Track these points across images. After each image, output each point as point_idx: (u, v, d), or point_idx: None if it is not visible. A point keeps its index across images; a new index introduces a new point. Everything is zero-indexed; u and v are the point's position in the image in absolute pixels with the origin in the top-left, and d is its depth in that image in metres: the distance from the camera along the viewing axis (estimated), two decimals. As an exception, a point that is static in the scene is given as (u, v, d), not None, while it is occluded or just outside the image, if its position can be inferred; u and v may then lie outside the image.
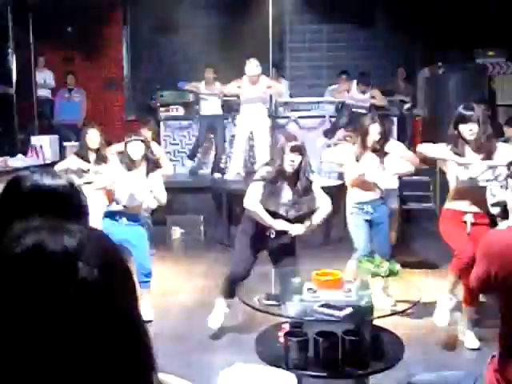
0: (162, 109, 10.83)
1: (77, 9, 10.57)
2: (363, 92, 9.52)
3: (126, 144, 5.46)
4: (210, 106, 9.95)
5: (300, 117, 10.28)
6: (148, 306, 5.47)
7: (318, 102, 10.72)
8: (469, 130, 4.69)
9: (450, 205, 5.00)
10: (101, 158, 6.43)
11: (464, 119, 4.71)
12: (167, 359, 4.76)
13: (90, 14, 10.81)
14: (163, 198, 5.53)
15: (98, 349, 0.87)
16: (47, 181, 1.80)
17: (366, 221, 5.67)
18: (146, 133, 7.45)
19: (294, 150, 4.72)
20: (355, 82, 9.59)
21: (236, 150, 9.43)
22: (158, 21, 10.93)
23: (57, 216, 1.03)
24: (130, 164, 5.43)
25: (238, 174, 9.23)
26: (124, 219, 5.49)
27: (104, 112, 11.37)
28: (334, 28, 11.83)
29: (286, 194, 4.76)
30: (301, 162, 4.71)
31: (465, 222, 4.90)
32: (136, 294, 0.99)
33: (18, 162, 8.49)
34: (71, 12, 10.63)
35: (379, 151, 5.52)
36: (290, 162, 4.69)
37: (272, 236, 4.86)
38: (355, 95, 9.57)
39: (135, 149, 5.39)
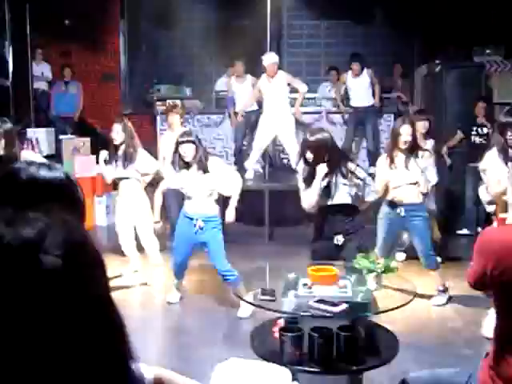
0: (158, 103, 10.79)
1: (74, 1, 10.54)
2: (357, 75, 9.47)
3: (178, 144, 5.43)
4: (242, 103, 9.59)
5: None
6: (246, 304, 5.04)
7: (315, 98, 10.73)
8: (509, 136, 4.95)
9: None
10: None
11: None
12: (164, 354, 4.79)
13: (88, 6, 10.77)
14: (233, 186, 5.54)
15: (71, 338, 0.86)
16: (44, 173, 1.79)
17: (396, 223, 5.72)
18: (174, 117, 7.44)
19: (308, 146, 4.74)
20: (350, 72, 9.57)
21: (255, 148, 8.87)
22: (156, 14, 10.90)
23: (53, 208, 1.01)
24: (183, 165, 5.43)
25: (256, 172, 8.92)
26: (199, 221, 5.46)
27: (100, 106, 11.34)
28: (331, 24, 11.82)
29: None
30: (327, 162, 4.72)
31: None
32: (107, 279, 0.97)
33: (13, 154, 8.45)
34: (69, 4, 10.60)
35: (411, 153, 5.59)
36: (308, 158, 4.76)
37: (339, 243, 4.82)
38: (349, 83, 9.57)
39: (187, 150, 5.35)
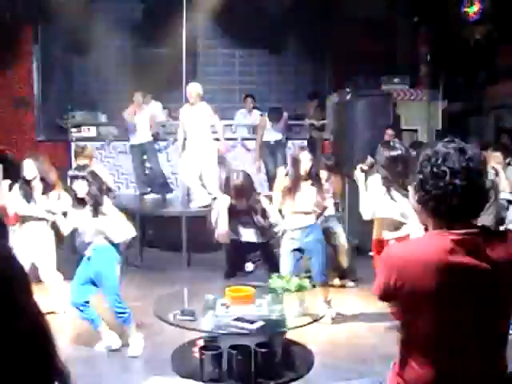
0: (73, 129, 10.67)
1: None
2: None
3: (70, 180, 5.22)
4: (140, 134, 9.74)
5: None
6: (137, 341, 5.31)
7: (231, 125, 10.89)
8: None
9: None
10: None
11: None
12: (86, 381, 4.72)
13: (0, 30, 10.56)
14: (119, 235, 5.23)
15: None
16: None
17: (296, 249, 5.88)
18: (83, 160, 7.36)
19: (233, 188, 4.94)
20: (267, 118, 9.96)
21: (191, 181, 8.75)
22: (70, 40, 10.81)
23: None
24: (77, 202, 5.21)
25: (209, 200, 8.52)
26: (88, 251, 5.24)
27: (13, 132, 11.08)
28: (245, 53, 12.08)
29: None
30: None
31: None
32: (31, 287, 1.06)
33: None
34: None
35: (313, 179, 5.80)
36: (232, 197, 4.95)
37: (250, 270, 4.92)
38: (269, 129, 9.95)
39: (78, 187, 5.12)
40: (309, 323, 3.78)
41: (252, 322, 3.50)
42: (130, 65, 10.88)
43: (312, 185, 5.81)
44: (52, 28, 11.19)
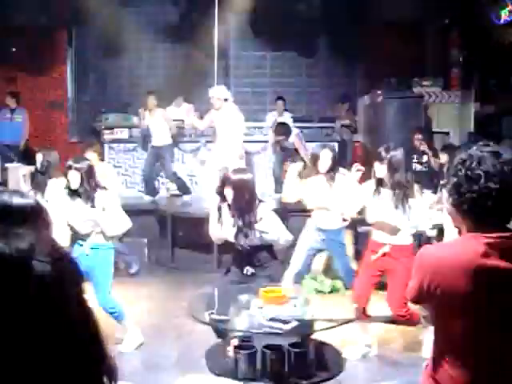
0: (106, 131, 10.79)
1: (21, 28, 10.51)
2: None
3: (66, 170, 5.20)
4: (158, 136, 9.78)
5: (244, 141, 10.43)
6: (131, 338, 5.40)
7: (261, 128, 10.93)
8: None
9: None
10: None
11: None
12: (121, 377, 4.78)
13: (35, 34, 10.76)
14: (112, 228, 5.23)
15: (52, 334, 1.01)
16: (16, 200, 1.92)
17: (314, 248, 5.87)
18: (91, 155, 7.44)
19: (230, 184, 4.80)
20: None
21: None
22: (104, 43, 10.96)
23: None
24: (70, 193, 5.19)
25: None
26: (86, 248, 5.19)
27: (47, 133, 11.28)
28: (277, 55, 12.12)
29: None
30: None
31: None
32: (82, 283, 1.14)
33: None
34: (16, 31, 10.57)
35: (330, 176, 5.75)
36: (226, 194, 4.82)
37: (248, 273, 4.69)
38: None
39: (71, 177, 5.12)
40: (339, 325, 3.81)
41: (286, 323, 3.55)
42: (162, 67, 10.98)
43: (330, 184, 5.73)
44: (86, 31, 11.38)
